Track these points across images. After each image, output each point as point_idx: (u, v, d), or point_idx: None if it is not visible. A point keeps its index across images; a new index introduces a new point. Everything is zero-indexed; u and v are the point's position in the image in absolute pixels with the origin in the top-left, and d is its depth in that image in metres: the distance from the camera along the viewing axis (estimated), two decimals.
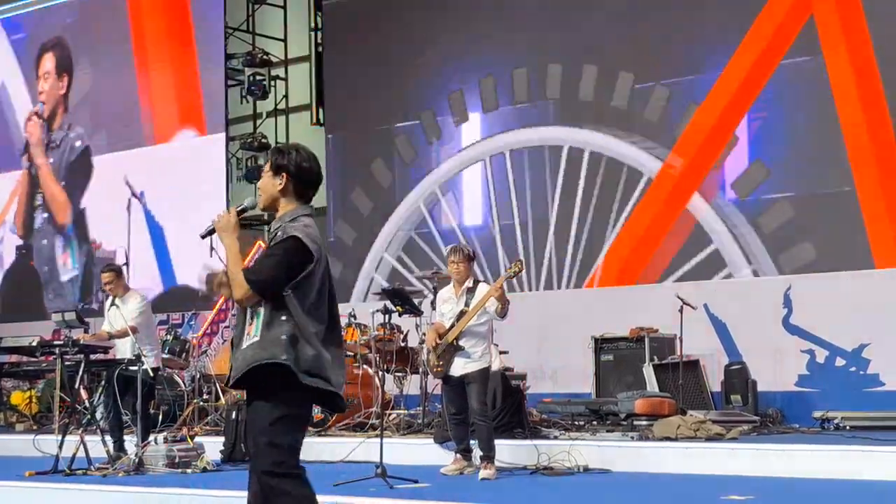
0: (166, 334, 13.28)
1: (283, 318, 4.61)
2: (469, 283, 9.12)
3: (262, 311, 4.65)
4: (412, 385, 11.85)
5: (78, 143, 17.73)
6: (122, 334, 10.36)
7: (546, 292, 13.33)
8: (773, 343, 11.85)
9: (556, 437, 10.11)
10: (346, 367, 5.00)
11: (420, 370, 11.45)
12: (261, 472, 4.80)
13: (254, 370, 4.64)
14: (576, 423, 10.87)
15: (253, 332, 4.67)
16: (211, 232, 4.90)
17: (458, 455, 9.30)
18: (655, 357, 11.64)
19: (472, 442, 9.30)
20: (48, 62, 18.06)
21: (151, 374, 10.43)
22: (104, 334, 10.82)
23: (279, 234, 4.73)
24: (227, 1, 16.08)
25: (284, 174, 4.78)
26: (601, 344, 12.10)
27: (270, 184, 4.79)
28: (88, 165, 17.61)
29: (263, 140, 16.17)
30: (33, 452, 10.71)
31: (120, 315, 10.56)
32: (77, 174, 17.70)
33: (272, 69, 16.39)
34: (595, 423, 10.84)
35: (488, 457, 8.96)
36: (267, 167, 4.86)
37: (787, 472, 8.73)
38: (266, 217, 16.79)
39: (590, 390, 12.09)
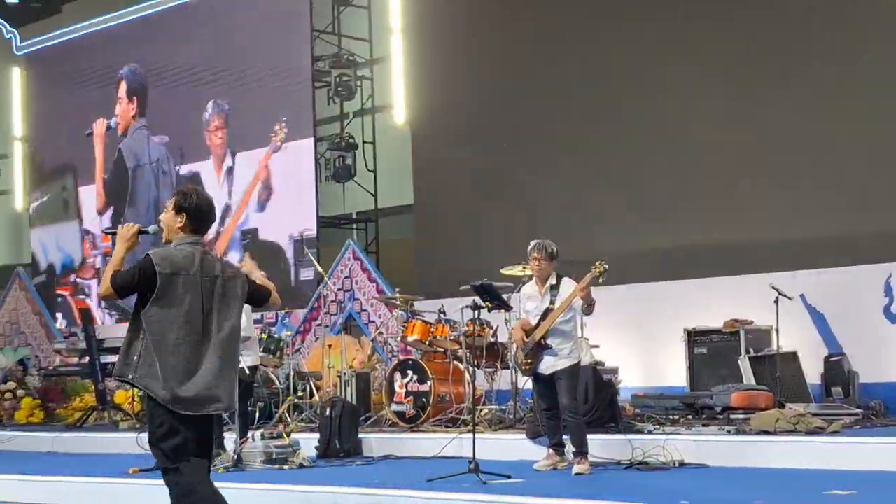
0: (261, 333, 13.46)
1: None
2: (552, 280, 9.09)
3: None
4: (503, 380, 11.86)
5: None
6: None
7: (637, 284, 13.24)
8: (875, 333, 11.60)
9: (649, 432, 10.03)
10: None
11: (510, 365, 11.47)
12: None
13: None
14: (670, 417, 10.76)
15: None
16: (113, 233, 5.88)
17: (551, 450, 9.32)
18: (751, 349, 11.48)
19: (564, 437, 9.30)
20: (122, 86, 18.45)
21: (249, 372, 10.60)
22: None
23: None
24: (313, 3, 16.22)
25: (184, 214, 5.73)
26: (694, 336, 11.98)
27: (172, 220, 5.75)
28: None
29: (351, 140, 16.30)
30: (136, 450, 10.95)
31: None
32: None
33: (358, 69, 16.52)
34: (690, 417, 10.74)
35: (581, 452, 8.96)
36: (170, 206, 5.78)
37: (892, 467, 8.52)
38: (354, 216, 16.97)
39: (683, 384, 11.98)
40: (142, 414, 14.41)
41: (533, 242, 9.28)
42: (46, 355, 18.21)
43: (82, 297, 17.29)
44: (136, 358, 5.55)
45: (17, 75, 20.84)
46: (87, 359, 14.85)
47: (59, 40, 19.80)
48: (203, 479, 5.87)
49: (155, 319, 5.55)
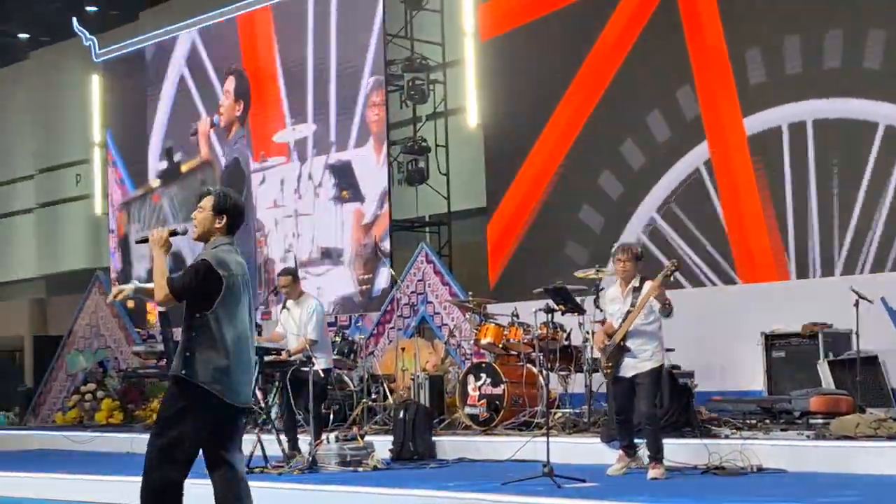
0: (335, 336, 13.53)
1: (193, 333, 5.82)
2: (636, 283, 9.00)
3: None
4: (577, 383, 11.81)
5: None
6: (301, 348, 10.55)
7: (713, 287, 13.12)
8: None
9: (726, 437, 9.92)
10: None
11: (584, 369, 11.42)
12: None
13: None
14: (747, 421, 10.62)
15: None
16: (145, 241, 6.05)
17: (622, 452, 9.23)
18: (830, 353, 11.31)
19: (638, 440, 9.23)
20: (230, 83, 18.57)
21: (323, 374, 10.66)
22: (278, 336, 11.11)
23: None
24: (386, 8, 16.28)
25: (225, 215, 5.94)
26: (772, 340, 11.82)
27: (210, 220, 5.93)
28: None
29: (423, 143, 16.33)
30: None
31: (292, 319, 10.82)
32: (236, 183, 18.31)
33: (430, 73, 16.55)
34: (768, 421, 10.60)
35: (657, 457, 8.88)
36: (207, 206, 5.94)
37: None
38: (427, 219, 17.01)
39: (760, 388, 11.84)
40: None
41: (617, 244, 9.23)
42: (125, 357, 18.47)
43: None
44: (189, 356, 5.78)
45: (95, 82, 21.16)
46: (165, 360, 15.03)
47: (136, 47, 20.04)
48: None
49: (216, 319, 5.77)
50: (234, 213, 5.97)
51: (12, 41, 25.50)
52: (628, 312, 8.93)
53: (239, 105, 18.37)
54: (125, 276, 19.52)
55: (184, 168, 19.27)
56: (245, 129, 18.20)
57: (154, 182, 19.73)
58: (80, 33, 20.80)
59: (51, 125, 24.69)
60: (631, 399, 8.99)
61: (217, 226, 5.93)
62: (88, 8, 22.66)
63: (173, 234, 6.01)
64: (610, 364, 9.03)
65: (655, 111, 13.87)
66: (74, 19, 20.93)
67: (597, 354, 9.74)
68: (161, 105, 19.68)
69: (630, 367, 8.94)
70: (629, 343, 8.92)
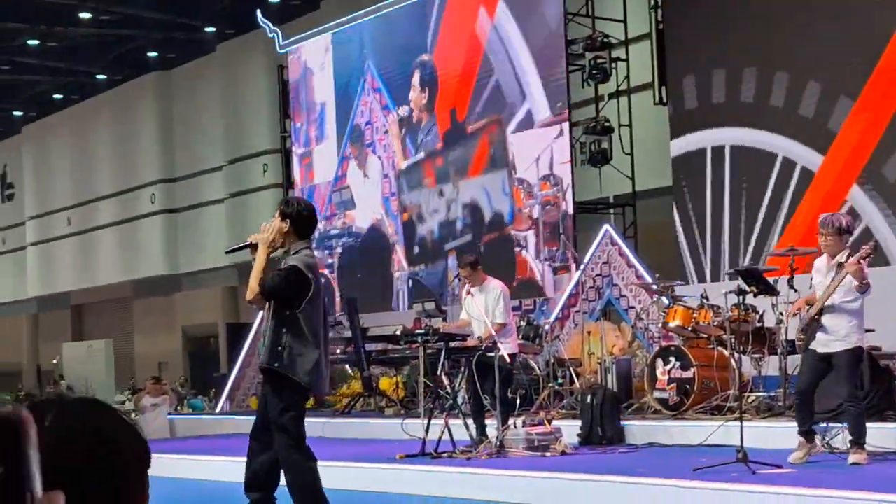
0: (520, 320, 13.49)
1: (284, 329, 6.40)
2: (842, 258, 8.61)
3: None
4: (770, 366, 11.49)
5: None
6: (490, 333, 10.54)
7: None
8: None
9: None
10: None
11: (778, 351, 11.09)
12: None
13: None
14: None
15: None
16: (237, 249, 6.80)
17: (802, 439, 8.90)
18: None
19: (836, 426, 8.93)
20: (416, 75, 18.73)
21: (509, 359, 10.63)
22: (464, 323, 11.13)
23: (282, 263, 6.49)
24: None
25: (289, 220, 6.47)
26: None
27: (280, 226, 6.48)
28: None
29: (606, 124, 16.11)
30: (402, 435, 11.18)
31: (476, 304, 10.82)
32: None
33: (612, 51, 16.30)
34: None
35: (858, 442, 8.55)
36: (277, 213, 6.53)
37: None
38: (611, 200, 16.81)
39: None
40: (406, 400, 14.74)
41: (822, 217, 8.86)
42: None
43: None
44: (281, 349, 6.37)
45: (280, 73, 21.52)
46: (353, 347, 15.25)
47: (319, 37, 20.32)
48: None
49: (307, 317, 6.36)
50: (299, 219, 6.50)
51: (199, 36, 26.32)
52: (828, 287, 8.60)
53: (424, 93, 18.49)
54: None
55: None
56: (432, 117, 18.32)
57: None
58: (263, 25, 21.23)
59: (237, 117, 25.39)
60: (817, 378, 8.67)
61: (287, 231, 6.48)
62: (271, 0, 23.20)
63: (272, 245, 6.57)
64: (802, 336, 8.76)
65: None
66: (258, 11, 21.39)
67: (791, 336, 9.44)
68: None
69: (822, 344, 8.61)
70: (825, 318, 8.59)
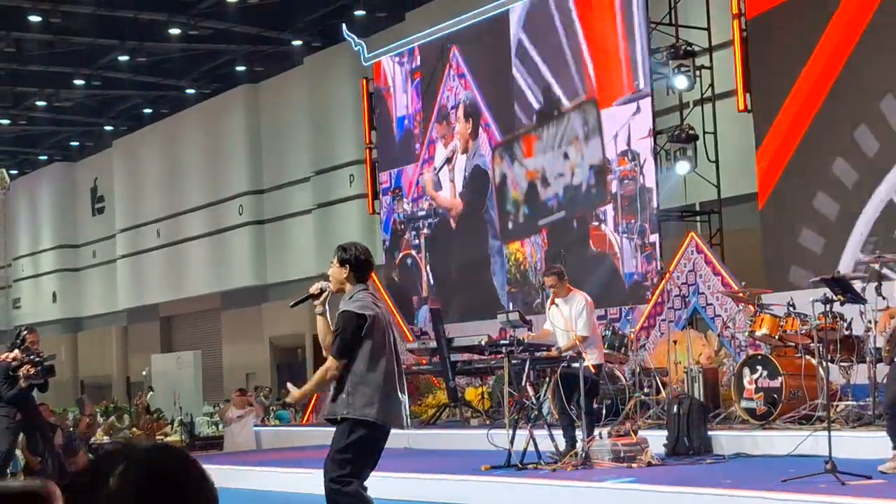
0: (605, 329, 13.45)
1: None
2: None
3: None
4: (859, 375, 11.32)
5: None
6: (572, 345, 10.55)
7: None
8: None
9: None
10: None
11: (867, 359, 10.94)
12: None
13: None
14: None
15: None
16: (305, 299, 6.79)
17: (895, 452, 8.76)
18: None
19: None
20: (461, 109, 18.86)
21: (594, 370, 10.61)
22: (546, 333, 11.14)
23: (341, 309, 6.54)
24: None
25: (348, 266, 6.53)
26: None
27: (339, 272, 6.56)
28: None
29: (691, 131, 16.00)
30: (487, 446, 11.20)
31: (561, 315, 10.83)
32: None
33: (696, 59, 16.20)
34: None
35: None
36: (335, 261, 6.58)
37: None
38: (698, 207, 16.71)
39: None
40: (491, 411, 14.76)
41: None
42: (401, 353, 18.86)
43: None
44: (344, 394, 6.47)
45: (365, 85, 21.59)
46: (438, 357, 15.31)
47: (404, 49, 20.43)
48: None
49: (367, 355, 6.45)
50: (357, 264, 6.56)
51: (286, 49, 26.66)
52: None
53: (469, 124, 18.67)
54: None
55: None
56: (478, 141, 18.46)
57: None
58: (349, 38, 21.42)
59: (324, 128, 25.66)
60: None
61: (345, 276, 6.55)
62: (356, 12, 23.40)
63: (321, 291, 6.67)
64: (889, 348, 8.63)
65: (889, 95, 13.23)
66: (343, 25, 21.59)
67: (881, 342, 9.32)
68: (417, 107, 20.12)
69: None
70: None
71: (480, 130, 18.96)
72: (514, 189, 18.17)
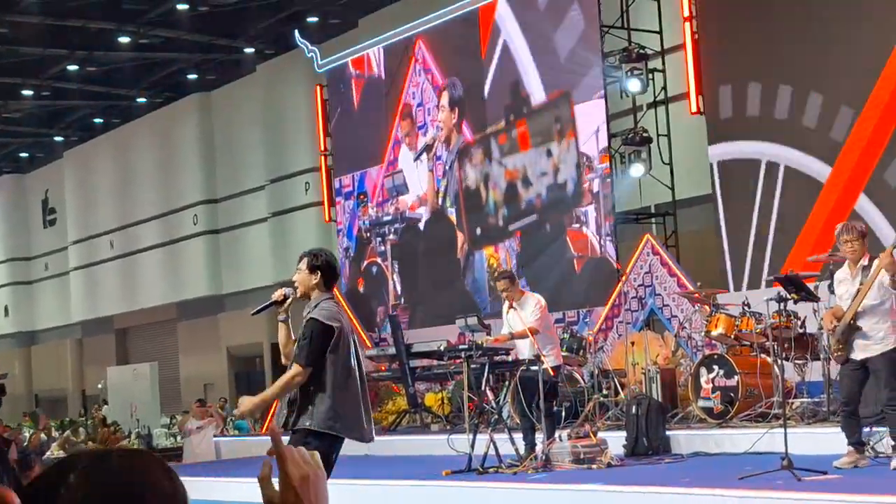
0: (563, 332, 13.49)
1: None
2: (864, 262, 8.66)
3: None
4: (814, 372, 11.45)
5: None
6: (522, 336, 10.61)
7: None
8: None
9: None
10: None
11: (821, 356, 11.06)
12: None
13: None
14: None
15: None
16: (268, 306, 6.77)
17: (851, 448, 8.86)
18: None
19: (865, 431, 8.88)
20: (445, 97, 18.75)
21: (552, 372, 10.65)
22: (504, 337, 11.16)
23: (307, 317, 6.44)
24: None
25: (319, 272, 6.44)
26: None
27: (307, 278, 6.45)
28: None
29: (644, 134, 16.10)
30: (448, 451, 11.19)
31: (518, 318, 10.85)
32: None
33: (649, 62, 16.30)
34: None
35: None
36: (303, 266, 6.47)
37: None
38: (653, 210, 16.80)
39: None
40: (451, 416, 14.76)
41: (840, 226, 8.94)
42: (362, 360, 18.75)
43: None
44: (306, 405, 6.36)
45: (319, 92, 21.56)
46: (397, 363, 15.30)
47: (358, 55, 20.39)
48: None
49: (332, 364, 6.34)
50: (327, 270, 6.50)
51: (239, 57, 26.55)
52: (858, 291, 8.59)
53: (454, 113, 18.53)
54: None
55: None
56: (461, 136, 18.34)
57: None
58: (301, 45, 21.37)
59: (279, 136, 25.54)
60: (860, 387, 8.65)
61: (314, 283, 6.46)
62: (309, 19, 23.34)
63: (285, 298, 6.59)
64: (840, 346, 8.72)
65: None
66: (296, 31, 21.54)
67: (827, 341, 9.43)
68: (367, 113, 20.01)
69: (861, 349, 8.59)
70: (860, 322, 8.58)
71: (432, 132, 18.85)
72: (494, 190, 17.86)
